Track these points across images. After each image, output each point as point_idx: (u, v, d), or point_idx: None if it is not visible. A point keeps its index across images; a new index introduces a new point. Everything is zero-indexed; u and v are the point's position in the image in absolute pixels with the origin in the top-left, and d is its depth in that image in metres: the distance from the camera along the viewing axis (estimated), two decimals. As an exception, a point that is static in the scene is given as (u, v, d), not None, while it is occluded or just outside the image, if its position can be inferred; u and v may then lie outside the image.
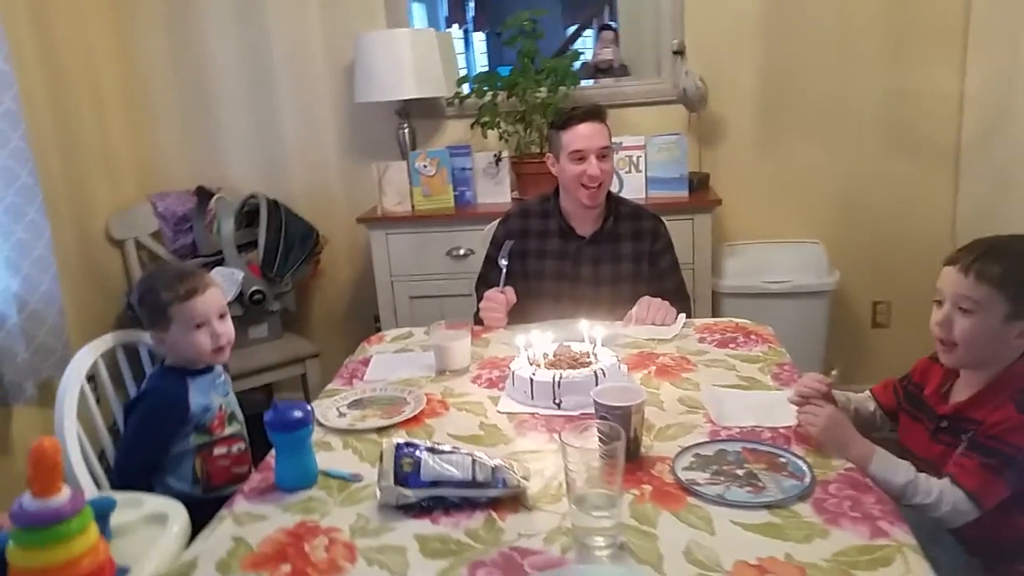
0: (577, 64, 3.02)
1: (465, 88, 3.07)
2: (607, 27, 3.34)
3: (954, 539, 1.38)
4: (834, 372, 1.46)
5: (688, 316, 2.08)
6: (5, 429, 2.48)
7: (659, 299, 2.03)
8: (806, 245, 3.00)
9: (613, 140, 2.87)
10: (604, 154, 2.12)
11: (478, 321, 2.14)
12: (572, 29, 3.48)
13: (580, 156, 2.11)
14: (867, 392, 1.64)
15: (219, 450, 1.65)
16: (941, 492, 1.29)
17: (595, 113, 2.15)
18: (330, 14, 3.21)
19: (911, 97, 3.00)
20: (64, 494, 1.03)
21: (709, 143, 3.13)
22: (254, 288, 2.95)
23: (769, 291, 2.88)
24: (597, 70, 3.28)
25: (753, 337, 1.90)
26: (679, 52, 3.00)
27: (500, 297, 2.08)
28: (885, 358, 3.08)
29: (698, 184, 2.96)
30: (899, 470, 1.32)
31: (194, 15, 3.25)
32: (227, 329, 1.67)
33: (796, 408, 1.41)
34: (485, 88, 2.99)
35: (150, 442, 1.59)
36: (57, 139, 2.84)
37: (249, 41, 3.26)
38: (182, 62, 3.30)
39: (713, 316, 2.72)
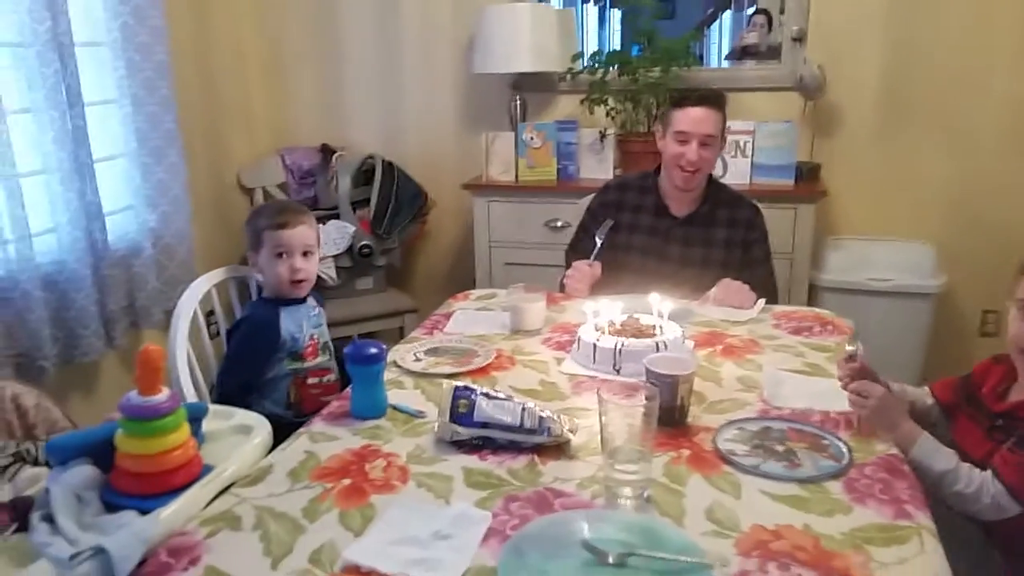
0: (710, 45, 2.99)
1: (579, 64, 3.13)
2: (761, 11, 3.26)
3: (977, 527, 1.37)
4: (849, 347, 1.47)
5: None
6: (135, 348, 2.76)
7: (739, 283, 2.05)
8: (914, 245, 2.90)
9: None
10: (707, 142, 2.12)
11: (563, 288, 2.21)
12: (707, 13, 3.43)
13: (683, 138, 2.12)
14: (925, 387, 1.62)
15: (312, 379, 1.81)
16: (982, 484, 1.29)
17: (711, 99, 2.15)
18: (458, -13, 3.34)
19: (1045, 100, 2.83)
20: (163, 394, 1.19)
21: (824, 133, 3.06)
22: (363, 243, 3.14)
23: (869, 288, 2.81)
24: (745, 52, 3.24)
25: (830, 328, 1.89)
26: (799, 39, 2.95)
27: (586, 269, 2.14)
28: (991, 370, 2.94)
29: (807, 174, 2.91)
30: (941, 457, 1.32)
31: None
32: (307, 266, 1.81)
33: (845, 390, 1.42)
34: (596, 65, 3.03)
35: (245, 362, 1.76)
36: (200, 92, 3.11)
37: (381, 10, 3.43)
38: (318, 28, 3.52)
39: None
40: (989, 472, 1.31)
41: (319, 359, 1.83)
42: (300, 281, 1.81)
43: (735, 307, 2.01)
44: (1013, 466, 1.29)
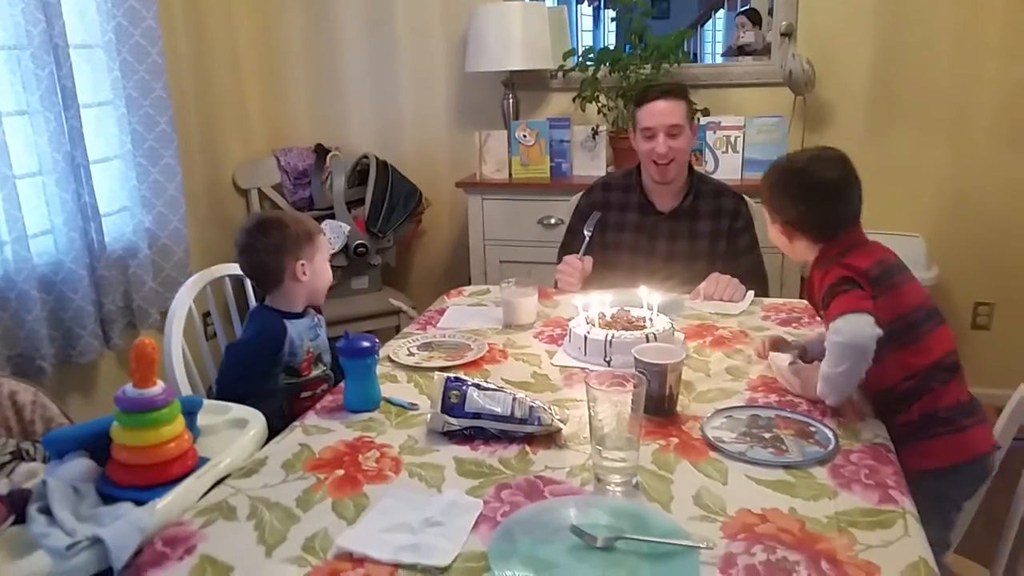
0: (704, 44, 3.00)
1: (571, 62, 3.15)
2: (745, 11, 3.28)
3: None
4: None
5: (766, 297, 2.11)
6: (132, 349, 2.79)
7: (728, 276, 2.07)
8: (905, 238, 2.92)
9: (712, 119, 2.92)
10: (673, 132, 2.15)
11: (557, 285, 2.23)
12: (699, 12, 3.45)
13: (650, 133, 2.16)
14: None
15: (305, 392, 1.77)
16: (830, 344, 1.35)
17: (671, 91, 2.19)
18: (451, -13, 3.36)
19: (1035, 91, 2.86)
20: (158, 387, 1.21)
21: (814, 127, 3.08)
22: (358, 242, 3.16)
23: (860, 281, 2.82)
24: (741, 51, 3.26)
25: (818, 318, 1.90)
26: (787, 34, 2.97)
27: (577, 263, 2.16)
28: (984, 361, 2.96)
29: (797, 169, 2.92)
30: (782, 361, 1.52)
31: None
32: None
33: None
34: (588, 62, 3.05)
35: (248, 381, 1.69)
36: (195, 93, 3.13)
37: (376, 11, 3.45)
38: (313, 29, 3.54)
39: (800, 301, 2.71)
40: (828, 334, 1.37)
41: (314, 372, 1.80)
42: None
43: (725, 300, 2.03)
44: (831, 309, 1.39)
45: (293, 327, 1.75)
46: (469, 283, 3.17)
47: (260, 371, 1.72)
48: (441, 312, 2.04)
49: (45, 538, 1.04)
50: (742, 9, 3.26)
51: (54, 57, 2.32)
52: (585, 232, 2.22)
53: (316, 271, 1.78)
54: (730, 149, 2.93)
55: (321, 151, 3.48)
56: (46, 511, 1.08)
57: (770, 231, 1.63)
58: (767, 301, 2.06)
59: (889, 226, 3.02)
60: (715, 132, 2.92)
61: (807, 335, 1.75)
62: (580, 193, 2.43)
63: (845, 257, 1.49)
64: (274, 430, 1.46)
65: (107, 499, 1.16)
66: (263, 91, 3.59)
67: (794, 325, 1.87)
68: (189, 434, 1.26)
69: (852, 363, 1.33)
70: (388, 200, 3.25)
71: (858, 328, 1.33)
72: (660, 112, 2.15)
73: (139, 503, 1.12)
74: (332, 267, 3.05)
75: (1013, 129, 2.91)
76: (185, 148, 2.91)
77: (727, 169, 2.92)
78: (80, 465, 1.18)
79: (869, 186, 3.11)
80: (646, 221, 2.27)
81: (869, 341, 1.31)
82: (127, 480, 1.18)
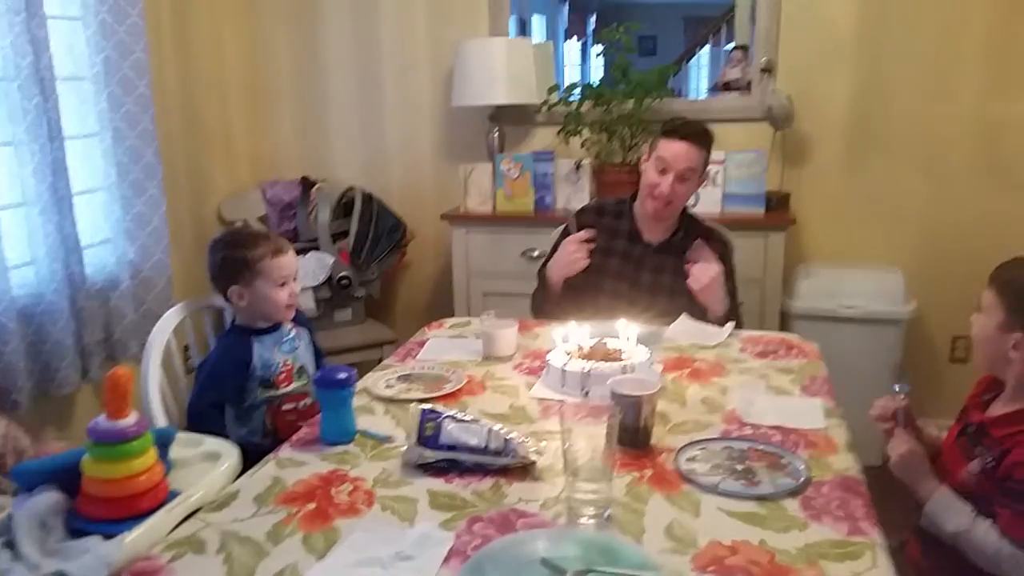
0: (690, 80, 3.06)
1: (554, 97, 3.19)
2: (740, 47, 3.33)
3: None
4: (896, 387, 1.51)
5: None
6: (113, 381, 2.77)
7: (716, 268, 2.15)
8: (884, 272, 2.95)
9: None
10: (684, 176, 2.15)
11: (538, 305, 2.29)
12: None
13: (662, 166, 2.16)
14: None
15: (287, 405, 1.81)
16: (999, 550, 1.29)
17: (698, 136, 2.18)
18: (437, 23, 3.41)
19: (1011, 126, 2.92)
20: (131, 419, 1.21)
21: (794, 162, 3.13)
22: (342, 274, 3.17)
23: (840, 315, 2.85)
24: (727, 87, 3.31)
25: (795, 351, 1.93)
26: (767, 70, 3.02)
27: (575, 238, 2.23)
28: (962, 394, 2.93)
29: (777, 203, 2.96)
30: (950, 517, 1.34)
31: (315, 21, 3.52)
32: (297, 288, 1.85)
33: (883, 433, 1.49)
34: (571, 97, 3.10)
35: (213, 391, 1.76)
36: (182, 125, 3.15)
37: (362, 46, 3.50)
38: (301, 63, 3.58)
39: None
40: (990, 524, 1.31)
41: (294, 384, 1.83)
42: (291, 304, 1.84)
43: (709, 301, 2.09)
44: (1010, 521, 1.29)
45: (260, 342, 1.80)
46: (453, 315, 3.18)
47: (225, 381, 1.77)
48: (421, 344, 2.04)
49: (8, 573, 1.03)
50: (737, 44, 3.32)
51: (40, 89, 2.33)
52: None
53: (256, 297, 1.79)
54: (711, 183, 2.96)
55: (307, 183, 3.49)
56: (10, 545, 1.07)
57: (986, 325, 1.42)
58: (744, 334, 2.08)
59: (868, 259, 3.06)
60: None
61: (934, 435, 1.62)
62: (563, 226, 2.44)
63: None
64: (259, 448, 1.47)
65: (76, 533, 1.15)
66: (250, 124, 3.62)
67: (771, 357, 1.88)
68: (161, 467, 1.26)
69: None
70: (373, 232, 3.26)
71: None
72: (679, 153, 2.14)
73: (108, 536, 1.12)
74: (316, 299, 3.12)
75: (990, 163, 2.96)
76: (171, 180, 2.92)
77: (708, 203, 2.95)
78: (49, 498, 1.17)
79: (848, 220, 3.20)
80: (633, 250, 2.29)
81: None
82: (97, 513, 1.17)
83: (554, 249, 2.39)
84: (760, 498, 1.21)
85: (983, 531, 1.31)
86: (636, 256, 2.29)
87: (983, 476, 1.38)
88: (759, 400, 1.61)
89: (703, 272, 2.15)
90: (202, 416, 1.71)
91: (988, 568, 1.31)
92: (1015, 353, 1.35)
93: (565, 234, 2.36)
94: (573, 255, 2.23)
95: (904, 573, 1.14)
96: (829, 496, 1.22)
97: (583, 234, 2.23)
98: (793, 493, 1.22)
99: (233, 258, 1.78)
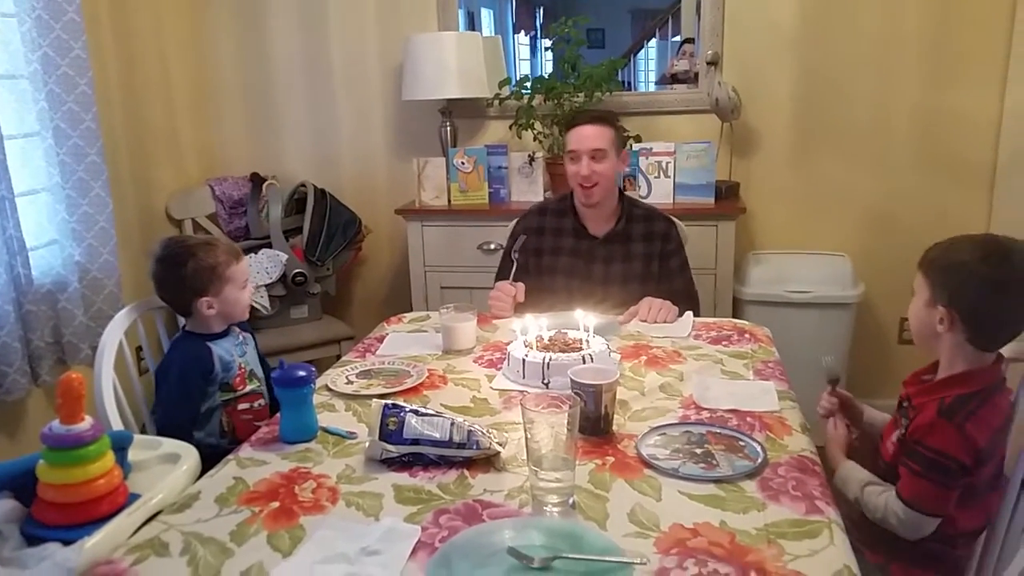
0: (638, 72, 3.08)
1: (506, 90, 3.20)
2: (689, 40, 3.36)
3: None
4: (826, 359, 1.60)
5: (696, 315, 2.16)
6: (62, 386, 2.70)
7: (660, 300, 2.12)
8: (832, 257, 3.03)
9: (644, 146, 3.00)
10: (597, 156, 2.20)
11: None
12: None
13: (574, 156, 2.22)
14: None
15: (242, 405, 1.81)
16: (887, 506, 1.38)
17: (598, 117, 2.26)
18: (386, 17, 3.38)
19: (949, 116, 3.01)
20: (86, 423, 1.19)
21: (742, 153, 3.19)
22: (296, 270, 3.13)
23: (791, 300, 2.92)
24: (675, 79, 3.34)
25: (747, 336, 1.97)
26: (713, 62, 3.07)
27: (509, 289, 2.19)
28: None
29: (727, 192, 3.02)
30: (850, 485, 1.45)
31: (262, 15, 3.47)
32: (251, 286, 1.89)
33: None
34: (523, 91, 3.11)
35: (188, 400, 1.74)
36: (126, 123, 3.08)
37: (311, 41, 3.46)
38: (248, 58, 3.52)
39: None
40: (892, 493, 1.39)
41: (248, 386, 1.82)
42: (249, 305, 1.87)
43: (660, 323, 2.07)
44: (906, 480, 1.37)
45: (218, 347, 1.80)
46: (411, 310, 3.17)
47: (196, 393, 1.76)
48: (381, 339, 2.04)
49: (-35, 583, 1.00)
50: (685, 38, 3.36)
51: (-25, 88, 2.26)
52: (512, 256, 2.25)
53: (226, 301, 1.80)
54: (662, 174, 3.00)
55: (257, 180, 3.44)
56: (-34, 555, 1.05)
57: (916, 305, 1.47)
58: (698, 320, 2.11)
59: (816, 246, 3.13)
60: (647, 158, 2.99)
61: (874, 416, 1.69)
62: (514, 220, 2.46)
63: (971, 419, 1.34)
64: (217, 450, 1.46)
65: (33, 540, 1.12)
66: (196, 121, 3.55)
67: (724, 343, 1.92)
68: (119, 470, 1.24)
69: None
70: (326, 228, 3.23)
71: (921, 530, 1.36)
72: (585, 136, 2.21)
73: (67, 543, 1.10)
74: (271, 296, 3.09)
75: (931, 153, 3.06)
76: (116, 179, 2.85)
77: (659, 193, 2.99)
78: (3, 506, 1.14)
79: (797, 208, 3.27)
80: (581, 245, 2.32)
81: (914, 532, 1.36)
82: (54, 520, 1.15)
83: (504, 254, 2.40)
84: (719, 480, 1.24)
85: (874, 495, 1.42)
86: (584, 251, 2.32)
87: (899, 443, 1.46)
88: (715, 385, 1.64)
89: (646, 308, 2.12)
90: (180, 431, 1.66)
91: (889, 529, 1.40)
92: (941, 327, 1.41)
93: (512, 238, 2.37)
94: (499, 304, 2.18)
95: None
96: (786, 476, 1.26)
97: (512, 288, 2.18)
98: (751, 475, 1.26)
99: (198, 269, 1.75)
